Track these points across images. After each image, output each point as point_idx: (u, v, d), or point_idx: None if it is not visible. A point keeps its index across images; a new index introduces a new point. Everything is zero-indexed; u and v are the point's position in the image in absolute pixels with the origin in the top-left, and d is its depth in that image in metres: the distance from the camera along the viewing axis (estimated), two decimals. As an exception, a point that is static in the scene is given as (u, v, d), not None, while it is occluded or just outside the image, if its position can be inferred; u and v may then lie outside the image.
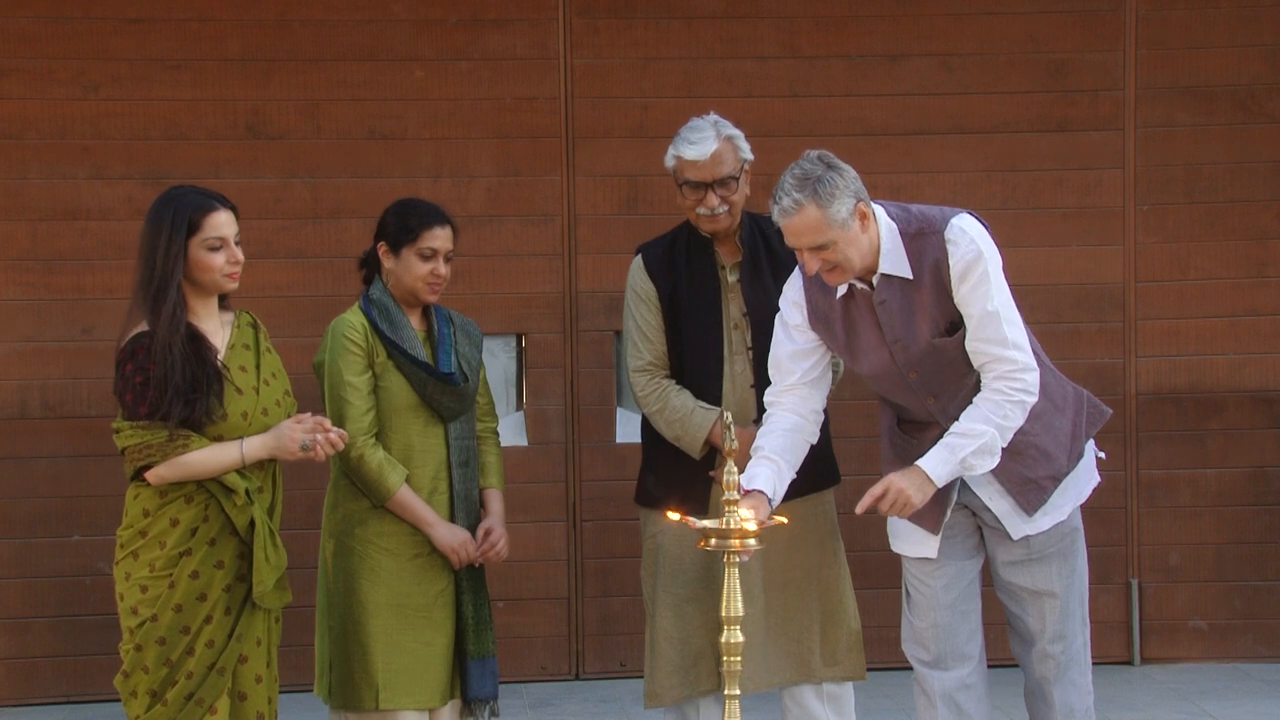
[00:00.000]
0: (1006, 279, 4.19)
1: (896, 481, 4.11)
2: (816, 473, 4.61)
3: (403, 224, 4.59)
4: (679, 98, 6.58)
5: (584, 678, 6.79)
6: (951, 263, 4.11)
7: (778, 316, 4.37)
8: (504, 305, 6.69)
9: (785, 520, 3.89)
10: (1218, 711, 6.28)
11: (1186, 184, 6.91)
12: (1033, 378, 4.15)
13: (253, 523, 4.14)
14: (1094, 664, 6.75)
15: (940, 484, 4.12)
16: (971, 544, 4.36)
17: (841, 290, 4.21)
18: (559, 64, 6.72)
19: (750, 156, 4.75)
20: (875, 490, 4.13)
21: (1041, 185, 6.89)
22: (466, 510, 4.65)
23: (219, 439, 4.11)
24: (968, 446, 4.09)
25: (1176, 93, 6.90)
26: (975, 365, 4.17)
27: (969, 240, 4.12)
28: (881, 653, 6.02)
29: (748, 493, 4.05)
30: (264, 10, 6.59)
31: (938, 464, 4.11)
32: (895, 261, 4.14)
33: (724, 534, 3.65)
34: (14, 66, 6.48)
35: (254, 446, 4.14)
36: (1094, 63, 6.88)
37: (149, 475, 4.09)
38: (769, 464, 4.17)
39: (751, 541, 3.69)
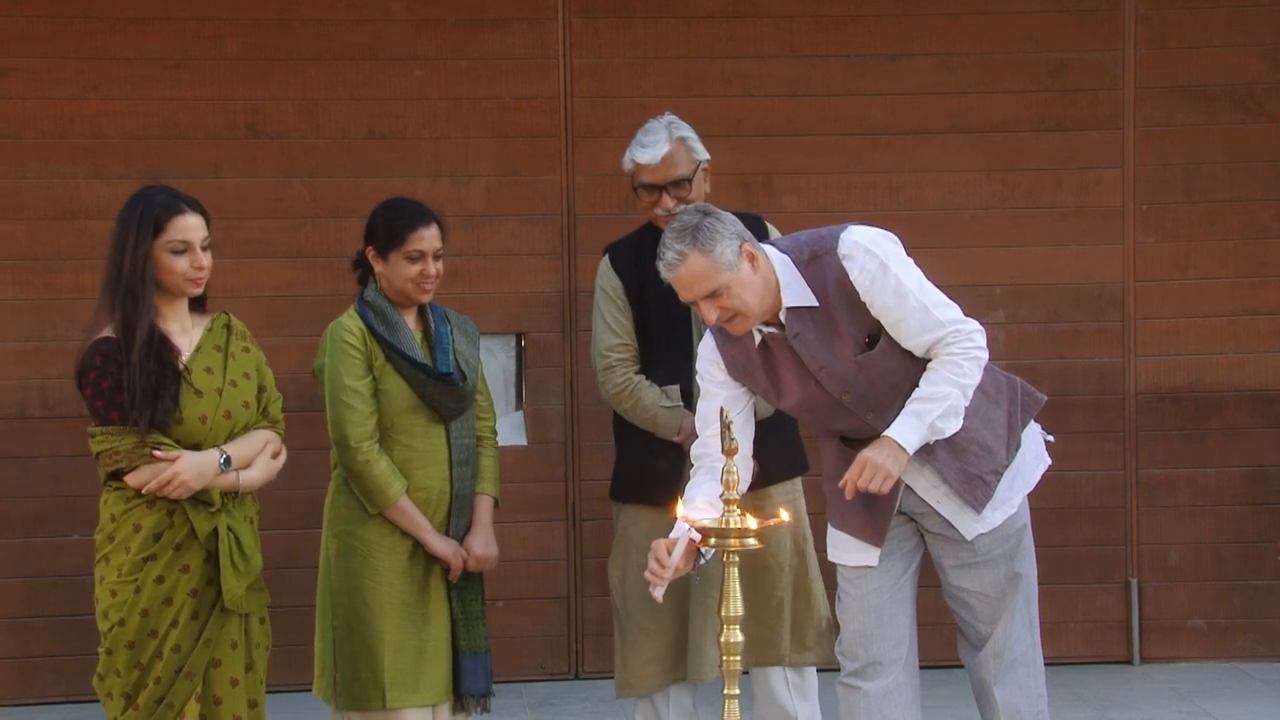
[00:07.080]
0: (922, 269, 4.14)
1: (872, 457, 4.05)
2: (788, 460, 4.65)
3: (388, 228, 4.59)
4: (678, 97, 6.57)
5: (583, 677, 6.79)
6: (855, 279, 4.07)
7: (697, 377, 4.35)
8: (503, 305, 6.69)
9: (788, 518, 3.88)
10: (1217, 711, 6.28)
11: (1186, 183, 6.91)
12: (980, 337, 4.11)
13: (216, 531, 4.08)
14: (1094, 663, 6.86)
15: (912, 451, 4.07)
16: (907, 548, 4.34)
17: (757, 339, 4.19)
18: (558, 63, 6.72)
19: (706, 156, 4.79)
20: (852, 472, 4.08)
21: (1041, 184, 6.89)
22: (461, 510, 4.65)
23: (196, 446, 4.06)
24: (934, 410, 4.05)
25: (1176, 92, 6.90)
26: (928, 355, 4.13)
27: (864, 251, 4.07)
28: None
29: (678, 539, 4.01)
30: (263, 10, 6.59)
31: (907, 431, 4.06)
32: (797, 292, 4.11)
33: (723, 533, 3.64)
34: (13, 66, 6.48)
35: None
36: (1093, 62, 6.88)
37: (129, 479, 4.05)
38: (705, 515, 4.09)
39: (751, 541, 3.68)
